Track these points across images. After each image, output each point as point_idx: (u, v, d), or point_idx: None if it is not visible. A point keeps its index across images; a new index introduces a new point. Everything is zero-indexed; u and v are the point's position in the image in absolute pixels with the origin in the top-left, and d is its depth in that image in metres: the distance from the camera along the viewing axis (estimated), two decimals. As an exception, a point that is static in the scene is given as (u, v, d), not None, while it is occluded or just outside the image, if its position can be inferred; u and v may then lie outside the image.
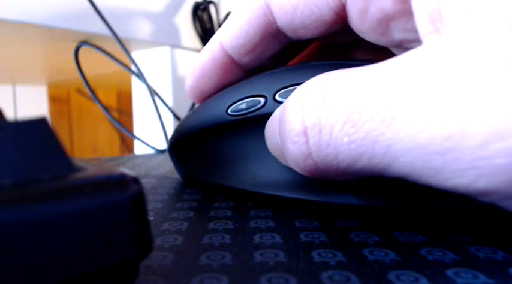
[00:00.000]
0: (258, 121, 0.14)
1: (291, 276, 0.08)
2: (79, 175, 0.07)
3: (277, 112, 0.12)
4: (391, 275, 0.09)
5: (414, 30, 0.11)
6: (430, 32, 0.10)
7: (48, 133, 0.07)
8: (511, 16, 0.08)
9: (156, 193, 0.17)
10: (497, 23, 0.08)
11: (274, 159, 0.13)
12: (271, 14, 0.14)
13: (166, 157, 0.29)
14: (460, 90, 0.08)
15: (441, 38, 0.09)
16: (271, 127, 0.13)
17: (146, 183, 0.19)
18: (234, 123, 0.15)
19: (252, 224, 0.12)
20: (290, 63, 0.17)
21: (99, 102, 0.35)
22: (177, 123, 0.33)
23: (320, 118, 0.10)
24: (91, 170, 0.07)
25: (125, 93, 0.95)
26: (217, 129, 0.15)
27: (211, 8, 0.40)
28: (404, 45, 0.12)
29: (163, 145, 0.35)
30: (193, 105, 0.38)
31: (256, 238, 0.11)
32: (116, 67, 0.38)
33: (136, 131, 0.41)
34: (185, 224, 0.12)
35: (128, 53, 0.32)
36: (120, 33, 0.33)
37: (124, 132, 0.35)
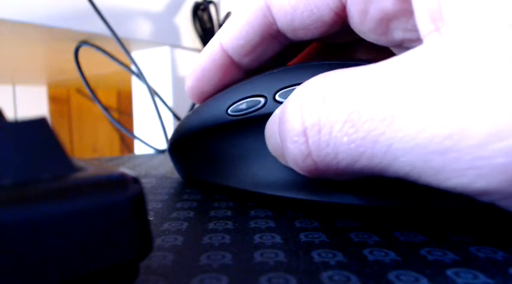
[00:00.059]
0: (258, 121, 0.14)
1: (291, 276, 0.08)
2: (79, 175, 0.07)
3: (277, 112, 0.12)
4: (391, 275, 0.09)
5: (414, 30, 0.11)
6: (430, 31, 0.10)
7: (48, 133, 0.07)
8: (511, 15, 0.08)
9: (156, 193, 0.17)
10: (497, 22, 0.08)
11: (274, 159, 0.13)
12: (271, 15, 0.14)
13: (166, 157, 0.29)
14: (460, 89, 0.08)
15: (441, 37, 0.09)
16: (271, 127, 0.13)
17: (146, 183, 0.19)
18: (234, 123, 0.15)
19: (252, 224, 0.12)
20: (290, 63, 0.17)
21: (99, 102, 0.35)
22: (177, 123, 0.33)
23: (319, 118, 0.10)
24: (91, 170, 0.07)
25: (125, 93, 0.95)
26: (217, 129, 0.15)
27: (211, 8, 0.40)
28: (405, 45, 0.12)
29: (163, 145, 0.35)
30: (193, 105, 0.38)
31: (256, 238, 0.11)
32: (116, 67, 0.38)
33: (136, 131, 0.41)
34: (185, 224, 0.12)
35: (127, 53, 0.32)
36: (120, 33, 0.33)
37: (124, 132, 0.35)
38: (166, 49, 0.39)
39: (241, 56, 0.15)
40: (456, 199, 0.10)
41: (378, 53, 0.15)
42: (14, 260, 0.06)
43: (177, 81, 0.40)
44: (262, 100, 0.14)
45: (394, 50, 0.13)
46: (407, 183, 0.10)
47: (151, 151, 0.35)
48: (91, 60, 0.40)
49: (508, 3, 0.08)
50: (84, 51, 0.35)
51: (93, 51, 0.34)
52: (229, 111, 0.15)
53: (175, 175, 0.21)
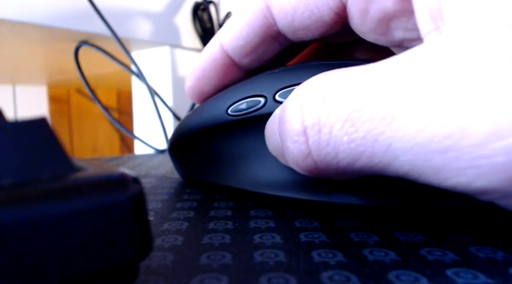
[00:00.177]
0: (258, 121, 0.14)
1: (291, 276, 0.08)
2: (79, 175, 0.07)
3: (277, 112, 0.12)
4: (391, 275, 0.09)
5: (415, 29, 0.11)
6: (430, 30, 0.10)
7: (48, 133, 0.07)
8: (511, 15, 0.08)
9: (156, 193, 0.17)
10: (497, 21, 0.08)
11: (274, 159, 0.13)
12: (272, 16, 0.14)
13: (166, 157, 0.29)
14: (460, 88, 0.08)
15: (442, 36, 0.09)
16: (271, 127, 0.13)
17: (146, 183, 0.19)
18: (234, 123, 0.15)
19: (252, 224, 0.12)
20: (290, 63, 0.17)
21: (99, 102, 0.35)
22: (177, 123, 0.33)
23: (320, 118, 0.10)
24: (91, 170, 0.07)
25: (125, 93, 0.95)
26: (217, 129, 0.15)
27: (211, 8, 0.40)
28: (405, 45, 0.12)
29: (163, 145, 0.35)
30: (193, 105, 0.38)
31: (256, 238, 0.11)
32: (116, 67, 0.38)
33: (136, 131, 0.41)
34: (185, 224, 0.12)
35: (127, 53, 0.32)
36: (120, 33, 0.33)
37: (124, 132, 0.35)
38: (166, 49, 0.39)
39: (242, 57, 0.15)
40: (456, 198, 0.10)
41: (377, 52, 0.15)
42: (14, 260, 0.06)
43: (177, 81, 0.40)
44: (262, 100, 0.14)
45: (394, 49, 0.13)
46: (407, 183, 0.10)
47: (151, 151, 0.35)
48: (91, 60, 0.40)
49: (507, 3, 0.08)
50: (84, 51, 0.35)
51: (93, 51, 0.34)
52: (229, 111, 0.15)
53: (175, 175, 0.21)
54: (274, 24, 0.14)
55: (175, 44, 0.39)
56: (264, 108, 0.14)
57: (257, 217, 0.13)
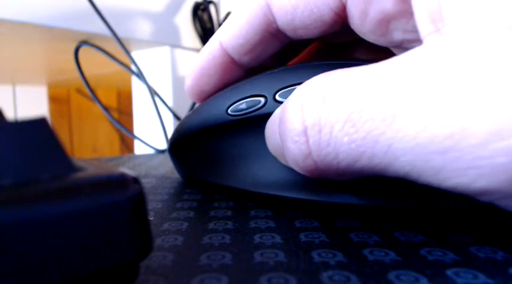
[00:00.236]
0: (258, 121, 0.14)
1: (291, 276, 0.08)
2: (79, 175, 0.07)
3: (277, 112, 0.12)
4: (391, 275, 0.09)
5: (414, 31, 0.11)
6: (430, 32, 0.10)
7: (48, 133, 0.07)
8: (510, 16, 0.08)
9: (156, 193, 0.17)
10: (497, 23, 0.08)
11: (274, 159, 0.13)
12: (271, 14, 0.14)
13: (166, 157, 0.29)
14: (460, 89, 0.08)
15: (442, 37, 0.09)
16: (271, 127, 0.13)
17: (146, 183, 0.19)
18: (234, 123, 0.15)
19: (252, 224, 0.12)
20: (290, 63, 0.17)
21: (99, 102, 0.35)
22: (177, 123, 0.33)
23: (320, 118, 0.10)
24: (91, 170, 0.07)
25: (125, 93, 0.95)
26: (217, 129, 0.15)
27: (211, 8, 0.40)
28: (404, 46, 0.12)
29: (163, 145, 0.35)
30: (193, 105, 0.38)
31: (256, 238, 0.11)
32: (116, 67, 0.38)
33: (136, 131, 0.41)
34: (185, 224, 0.12)
35: (128, 53, 0.32)
36: (120, 33, 0.33)
37: (124, 132, 0.35)
38: (166, 49, 0.39)
39: (241, 55, 0.15)
40: (456, 199, 0.10)
41: (377, 53, 0.15)
42: (14, 260, 0.06)
43: (177, 81, 0.40)
44: (262, 100, 0.14)
45: (394, 50, 0.13)
46: (407, 183, 0.10)
47: (151, 151, 0.35)
48: (91, 60, 0.40)
49: (507, 4, 0.08)
50: (84, 51, 0.35)
51: (93, 51, 0.34)
52: (229, 111, 0.15)
53: (175, 175, 0.21)
54: (274, 22, 0.14)
55: (175, 44, 0.39)
56: (264, 108, 0.14)
57: (257, 217, 0.13)
